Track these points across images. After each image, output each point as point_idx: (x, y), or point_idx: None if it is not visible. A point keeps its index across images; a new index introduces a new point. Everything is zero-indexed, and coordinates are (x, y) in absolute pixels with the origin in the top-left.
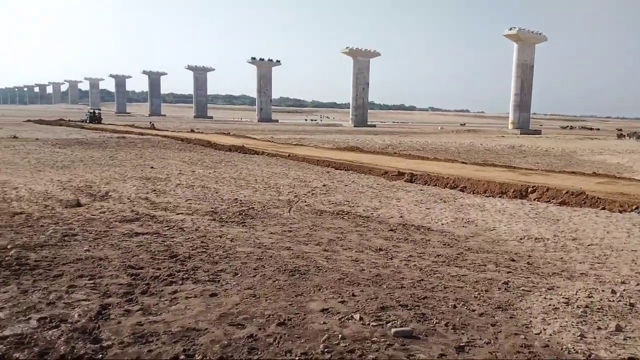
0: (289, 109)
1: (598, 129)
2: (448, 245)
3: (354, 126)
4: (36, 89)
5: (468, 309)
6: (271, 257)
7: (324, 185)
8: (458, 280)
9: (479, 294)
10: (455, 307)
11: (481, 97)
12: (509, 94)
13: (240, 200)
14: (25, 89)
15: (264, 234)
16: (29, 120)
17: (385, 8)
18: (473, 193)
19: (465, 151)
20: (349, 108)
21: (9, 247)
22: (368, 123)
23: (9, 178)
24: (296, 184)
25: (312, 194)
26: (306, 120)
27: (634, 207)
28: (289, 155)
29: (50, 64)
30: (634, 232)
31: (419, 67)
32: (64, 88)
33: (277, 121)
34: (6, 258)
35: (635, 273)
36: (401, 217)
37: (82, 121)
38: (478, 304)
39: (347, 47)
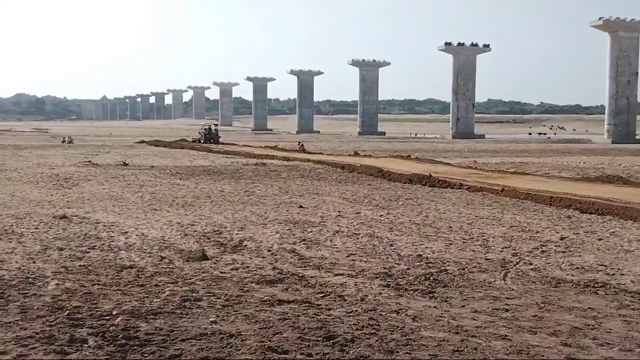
0: (502, 117)
1: None
2: None
3: (612, 142)
4: (152, 99)
5: None
6: (476, 349)
7: (562, 238)
8: None
9: None
10: None
11: None
12: None
13: (427, 258)
14: (139, 99)
15: (464, 312)
16: (142, 142)
17: None
18: None
19: None
20: (601, 114)
21: (114, 313)
22: (638, 137)
23: (117, 219)
24: (515, 234)
25: (542, 251)
26: (530, 134)
27: None
28: (503, 189)
29: (152, 74)
30: None
31: None
32: (186, 97)
33: (482, 137)
34: (111, 328)
35: None
36: None
37: (195, 141)
38: None
39: (600, 18)
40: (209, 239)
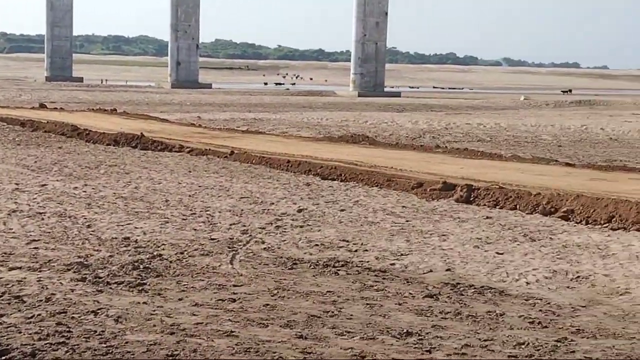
0: (233, 62)
1: None
2: (539, 323)
3: (359, 95)
4: None
5: None
6: (195, 351)
7: (300, 210)
8: None
9: None
10: None
11: (601, 44)
12: None
13: (136, 241)
14: None
15: (182, 306)
16: None
17: None
18: (586, 223)
19: (571, 143)
20: (347, 61)
21: None
22: (386, 90)
23: None
24: (245, 207)
25: (277, 227)
26: (266, 84)
27: None
28: (232, 152)
29: None
30: None
31: None
32: None
33: (209, 86)
34: None
35: None
36: (449, 270)
37: None
38: None
39: None
40: None
